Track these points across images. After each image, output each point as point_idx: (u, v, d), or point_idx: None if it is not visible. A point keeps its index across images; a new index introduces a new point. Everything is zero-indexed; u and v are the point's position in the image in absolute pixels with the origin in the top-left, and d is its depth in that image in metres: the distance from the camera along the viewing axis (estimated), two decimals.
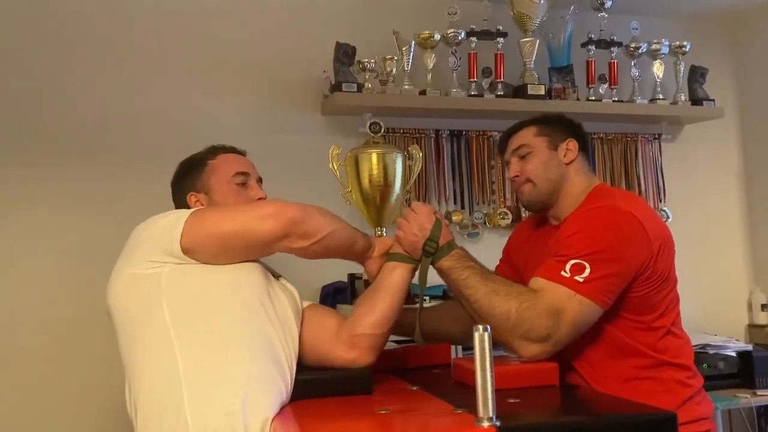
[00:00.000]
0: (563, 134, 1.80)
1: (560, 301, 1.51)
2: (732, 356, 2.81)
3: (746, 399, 2.72)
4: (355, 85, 2.64)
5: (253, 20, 2.74)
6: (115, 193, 2.51)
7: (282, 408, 1.37)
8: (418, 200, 2.79)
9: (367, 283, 1.71)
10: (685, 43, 3.11)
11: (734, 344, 2.89)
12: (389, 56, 2.71)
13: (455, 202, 2.94)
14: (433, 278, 1.65)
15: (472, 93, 2.83)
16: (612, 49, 3.05)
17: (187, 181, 1.72)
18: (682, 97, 3.13)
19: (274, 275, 1.61)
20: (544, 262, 1.61)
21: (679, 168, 3.27)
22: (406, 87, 2.75)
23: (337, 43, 2.66)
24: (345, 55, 2.66)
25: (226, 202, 1.66)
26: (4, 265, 2.41)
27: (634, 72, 3.08)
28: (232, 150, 1.78)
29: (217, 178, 1.69)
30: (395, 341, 1.91)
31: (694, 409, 1.63)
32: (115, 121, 2.55)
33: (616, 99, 3.04)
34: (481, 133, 2.97)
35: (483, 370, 1.07)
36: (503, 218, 2.95)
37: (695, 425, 1.61)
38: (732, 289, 3.34)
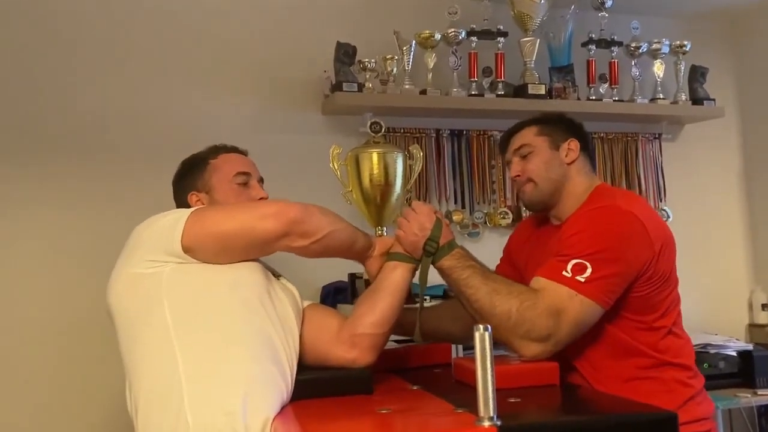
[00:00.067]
0: (564, 134, 1.80)
1: (561, 300, 1.51)
2: (732, 356, 2.80)
3: (747, 398, 2.71)
4: (355, 84, 2.64)
5: (253, 20, 2.74)
6: (115, 193, 2.51)
7: (283, 408, 1.36)
8: (419, 200, 2.79)
9: (367, 283, 1.71)
10: (685, 43, 3.11)
11: (735, 344, 2.88)
12: (390, 56, 2.71)
13: (456, 202, 2.94)
14: (434, 278, 1.65)
15: (473, 92, 2.83)
16: (612, 48, 3.05)
17: (189, 180, 1.72)
18: (683, 97, 3.12)
19: (274, 275, 1.61)
20: (545, 261, 1.61)
21: (680, 168, 3.27)
22: (407, 87, 2.75)
23: (338, 43, 2.66)
24: (345, 54, 2.66)
25: (227, 201, 1.66)
26: (4, 265, 2.41)
27: (635, 71, 3.08)
28: (234, 150, 1.78)
29: (218, 178, 1.69)
30: (396, 341, 1.91)
31: (695, 409, 1.63)
32: (115, 121, 2.55)
33: (616, 98, 3.04)
34: (481, 132, 2.97)
35: (484, 369, 1.07)
36: (504, 218, 2.95)
37: (696, 425, 1.61)
38: (732, 289, 3.34)
